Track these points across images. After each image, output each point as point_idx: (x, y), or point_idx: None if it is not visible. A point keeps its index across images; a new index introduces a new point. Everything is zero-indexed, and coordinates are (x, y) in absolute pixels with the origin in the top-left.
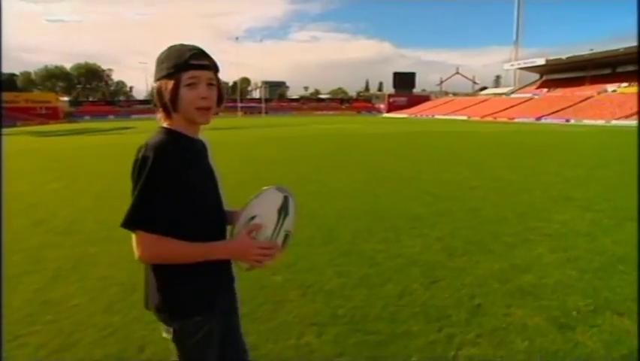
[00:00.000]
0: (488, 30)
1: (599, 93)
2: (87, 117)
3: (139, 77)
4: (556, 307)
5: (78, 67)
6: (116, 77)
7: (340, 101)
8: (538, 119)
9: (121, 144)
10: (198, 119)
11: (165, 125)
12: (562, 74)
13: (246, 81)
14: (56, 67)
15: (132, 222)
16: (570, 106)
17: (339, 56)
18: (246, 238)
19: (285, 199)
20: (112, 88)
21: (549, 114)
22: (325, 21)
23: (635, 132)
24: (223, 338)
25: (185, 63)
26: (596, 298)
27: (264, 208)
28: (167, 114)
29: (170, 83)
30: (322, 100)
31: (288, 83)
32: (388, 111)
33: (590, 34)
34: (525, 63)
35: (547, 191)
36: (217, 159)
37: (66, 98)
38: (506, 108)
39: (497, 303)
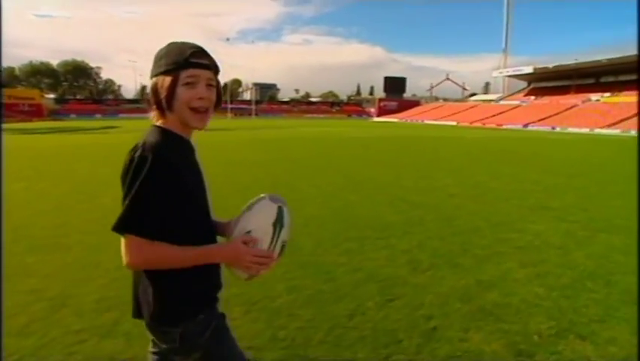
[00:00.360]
0: (478, 37)
1: (583, 102)
2: (73, 115)
3: (128, 75)
4: (516, 331)
5: (65, 64)
6: (104, 75)
7: (331, 104)
8: (526, 126)
9: (102, 144)
10: (192, 122)
11: (159, 123)
12: (548, 82)
13: (237, 82)
14: (42, 63)
15: (125, 225)
16: (556, 114)
17: (331, 60)
18: (240, 245)
19: (280, 210)
20: (100, 86)
21: (536, 121)
22: (318, 24)
23: (617, 141)
24: None
25: (185, 61)
26: (561, 319)
27: (259, 222)
28: (161, 113)
29: (168, 80)
30: (313, 103)
31: (279, 86)
32: (379, 115)
33: (576, 45)
34: (513, 71)
35: (525, 199)
36: None
37: (51, 96)
38: (495, 115)
39: (455, 326)
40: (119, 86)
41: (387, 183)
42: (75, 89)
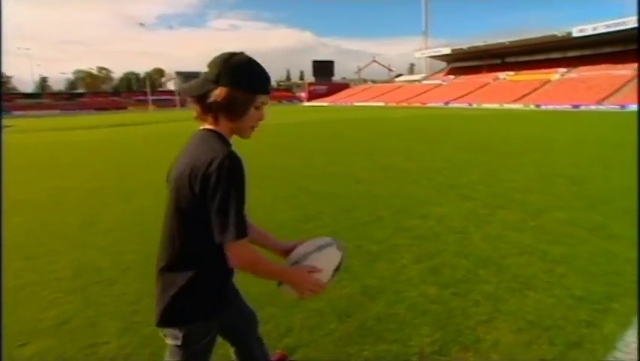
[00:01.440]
0: (402, 20)
1: (494, 80)
2: None
3: (22, 65)
4: (395, 354)
5: None
6: None
7: None
8: (447, 103)
9: None
10: (248, 134)
11: (216, 129)
12: (464, 62)
13: (158, 72)
14: None
15: (239, 233)
16: (472, 92)
17: (259, 45)
18: (307, 274)
19: (342, 259)
20: None
21: (455, 99)
22: (243, 9)
23: (519, 115)
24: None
25: (266, 88)
26: (447, 328)
27: (324, 265)
28: (216, 119)
29: (246, 99)
30: None
31: None
32: (309, 100)
33: (486, 28)
34: (434, 52)
35: (434, 179)
36: (90, 162)
37: None
38: (419, 94)
39: (322, 357)
40: (10, 78)
41: (295, 171)
42: None
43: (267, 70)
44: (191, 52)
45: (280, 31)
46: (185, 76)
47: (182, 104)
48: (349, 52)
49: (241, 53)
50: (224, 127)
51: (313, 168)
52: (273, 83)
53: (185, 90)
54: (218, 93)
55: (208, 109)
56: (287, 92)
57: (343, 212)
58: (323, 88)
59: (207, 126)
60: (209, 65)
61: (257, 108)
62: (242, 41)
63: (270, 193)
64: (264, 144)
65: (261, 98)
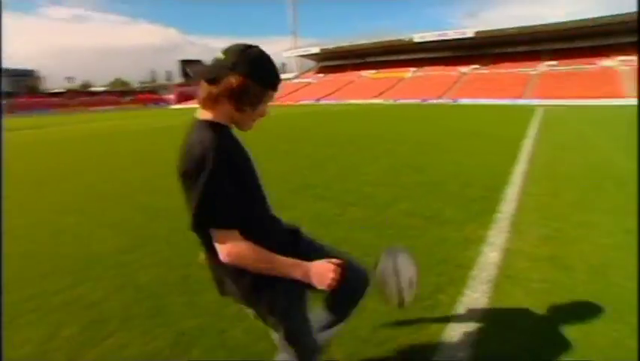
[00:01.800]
0: (271, 20)
1: (358, 78)
2: None
3: None
4: None
5: None
6: None
7: (121, 93)
8: (318, 100)
9: None
10: (247, 127)
11: (209, 117)
12: (332, 61)
13: None
14: None
15: (208, 221)
16: (339, 89)
17: (116, 42)
18: (325, 263)
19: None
20: None
21: (325, 96)
22: None
23: (379, 109)
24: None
25: (276, 85)
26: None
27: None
28: (219, 104)
29: (260, 93)
30: (96, 93)
31: (42, 73)
32: (178, 102)
33: (353, 30)
34: (303, 51)
35: (290, 180)
36: None
37: None
38: (291, 92)
39: None
40: None
41: (138, 186)
42: None
43: (128, 70)
44: (19, 44)
45: (141, 27)
46: (13, 74)
47: (12, 111)
48: (219, 50)
49: (257, 46)
50: (225, 115)
51: (163, 180)
52: (135, 84)
53: (197, 73)
54: (233, 80)
55: (217, 94)
56: (152, 94)
57: (178, 233)
58: (193, 89)
59: (203, 117)
60: (224, 53)
61: (264, 102)
62: (93, 35)
63: (94, 220)
64: (116, 154)
65: (271, 94)
